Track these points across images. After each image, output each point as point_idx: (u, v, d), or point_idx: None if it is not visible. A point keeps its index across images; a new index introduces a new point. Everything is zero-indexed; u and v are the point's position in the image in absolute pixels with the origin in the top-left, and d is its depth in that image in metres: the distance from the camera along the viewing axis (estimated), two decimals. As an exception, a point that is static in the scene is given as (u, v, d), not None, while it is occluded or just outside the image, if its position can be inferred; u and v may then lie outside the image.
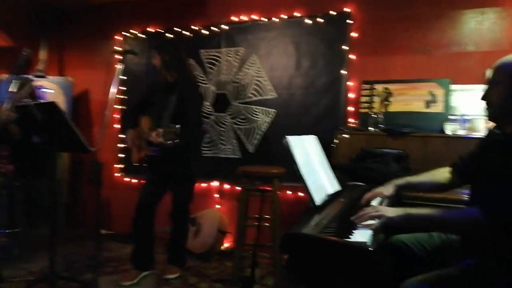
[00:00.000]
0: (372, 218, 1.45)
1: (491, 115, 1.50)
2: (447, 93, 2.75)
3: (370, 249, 1.27)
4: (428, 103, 2.79)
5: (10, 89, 3.18)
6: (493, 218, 1.30)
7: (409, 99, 2.86)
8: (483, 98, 1.50)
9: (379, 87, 2.96)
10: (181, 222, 2.99)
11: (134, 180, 4.02)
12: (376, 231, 1.43)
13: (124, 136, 3.88)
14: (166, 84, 2.86)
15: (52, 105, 2.41)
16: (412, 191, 1.96)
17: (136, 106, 3.12)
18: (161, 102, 2.82)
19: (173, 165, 2.82)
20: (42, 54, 4.25)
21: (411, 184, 1.84)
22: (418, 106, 2.81)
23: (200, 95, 3.04)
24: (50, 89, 4.03)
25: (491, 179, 1.43)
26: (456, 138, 2.51)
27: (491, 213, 1.30)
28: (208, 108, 3.67)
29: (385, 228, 1.51)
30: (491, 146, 1.54)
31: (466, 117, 2.67)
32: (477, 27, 2.82)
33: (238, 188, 3.31)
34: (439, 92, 2.77)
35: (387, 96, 2.92)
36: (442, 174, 1.80)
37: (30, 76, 3.62)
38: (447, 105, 2.73)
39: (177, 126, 2.46)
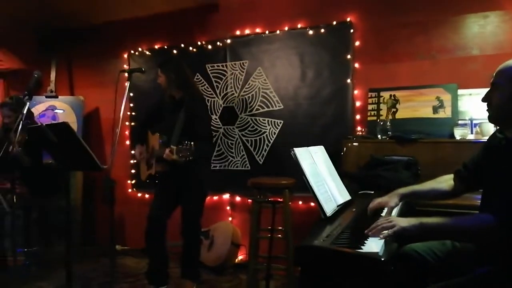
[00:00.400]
0: (386, 229, 1.45)
1: (491, 116, 1.54)
2: (455, 98, 2.75)
3: (382, 259, 1.27)
4: (436, 109, 2.80)
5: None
6: (506, 224, 1.30)
7: (416, 105, 2.86)
8: (484, 100, 1.55)
9: (386, 95, 2.98)
10: (192, 236, 2.98)
11: (146, 195, 4.06)
12: (389, 239, 1.43)
13: (134, 152, 3.93)
14: (173, 101, 2.92)
15: (64, 125, 2.46)
16: (417, 199, 1.95)
17: (143, 123, 3.18)
18: (169, 119, 2.87)
19: (183, 179, 2.85)
20: (53, 75, 4.35)
21: (415, 192, 1.82)
22: (425, 112, 2.81)
23: (207, 110, 3.09)
24: (61, 109, 4.12)
25: (497, 184, 1.43)
26: (466, 143, 2.50)
27: (503, 218, 1.30)
28: (216, 122, 3.71)
29: (398, 238, 1.51)
30: (494, 151, 1.55)
31: (475, 121, 2.66)
32: (481, 31, 2.82)
33: (250, 200, 3.33)
34: (447, 97, 2.77)
35: (394, 103, 2.94)
36: (447, 181, 1.80)
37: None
38: (455, 110, 2.73)
39: (192, 143, 2.49)
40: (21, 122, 2.47)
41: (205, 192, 3.02)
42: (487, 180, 1.54)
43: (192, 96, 2.89)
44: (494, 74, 1.51)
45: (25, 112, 2.51)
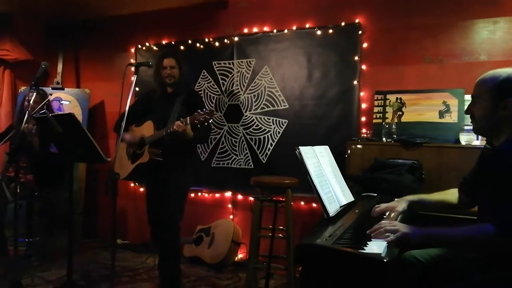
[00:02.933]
0: (388, 232, 1.45)
1: (476, 128, 1.59)
2: (461, 103, 2.74)
3: (384, 260, 1.27)
4: (442, 113, 2.79)
5: (26, 101, 3.29)
6: (507, 233, 1.29)
7: (422, 109, 2.85)
8: (466, 113, 1.60)
9: (392, 97, 2.97)
10: (169, 241, 2.72)
11: (148, 190, 4.07)
12: (391, 244, 1.42)
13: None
14: (167, 94, 2.88)
15: (70, 116, 2.47)
16: (424, 209, 1.94)
17: (128, 116, 2.79)
18: (162, 110, 2.81)
19: (170, 172, 2.76)
20: (60, 67, 4.37)
21: (423, 202, 1.82)
22: (431, 116, 2.80)
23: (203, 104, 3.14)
24: (67, 100, 4.14)
25: (491, 193, 1.44)
26: (471, 149, 2.48)
27: (503, 227, 1.30)
28: (221, 119, 3.72)
29: (399, 244, 1.51)
30: (485, 162, 1.59)
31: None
32: (490, 37, 2.81)
33: (252, 198, 3.33)
34: (453, 102, 2.76)
35: (400, 106, 2.93)
36: (454, 194, 1.80)
37: (46, 89, 3.72)
38: (461, 115, 2.72)
39: (206, 110, 2.52)
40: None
41: (188, 185, 2.89)
42: (483, 190, 1.55)
43: (191, 90, 2.95)
44: (474, 87, 1.55)
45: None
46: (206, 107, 3.28)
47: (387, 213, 1.77)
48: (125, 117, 2.44)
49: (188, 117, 2.53)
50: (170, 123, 2.69)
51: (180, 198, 2.80)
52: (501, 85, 1.45)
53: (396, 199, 1.90)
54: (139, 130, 2.88)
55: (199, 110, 2.50)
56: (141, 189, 4.12)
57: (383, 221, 1.54)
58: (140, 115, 2.93)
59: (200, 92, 3.77)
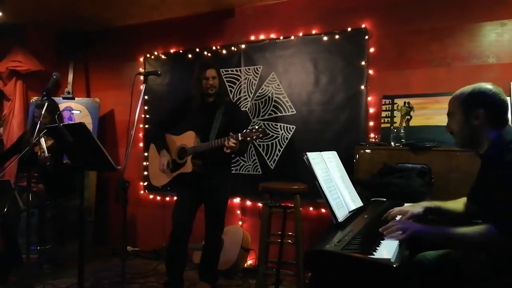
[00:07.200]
0: (400, 230, 1.49)
1: (457, 143, 1.67)
2: (470, 106, 2.72)
3: (394, 265, 1.26)
4: (450, 117, 2.77)
5: (36, 117, 3.35)
6: (506, 232, 1.32)
7: (430, 113, 2.84)
8: (447, 131, 1.70)
9: (400, 102, 2.96)
10: (217, 240, 2.96)
11: (158, 198, 4.10)
12: (403, 242, 1.44)
13: (147, 154, 3.93)
14: (207, 104, 2.87)
15: (80, 126, 2.51)
16: (439, 216, 1.94)
17: (164, 124, 3.03)
18: (205, 119, 2.82)
19: (212, 180, 2.81)
20: (70, 77, 4.44)
21: (439, 208, 1.85)
22: (440, 119, 2.78)
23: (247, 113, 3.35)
24: (77, 109, 4.21)
25: (489, 197, 1.48)
26: (481, 152, 2.47)
27: (503, 227, 1.33)
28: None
29: (411, 245, 1.52)
30: (480, 170, 1.66)
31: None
32: (498, 39, 2.79)
33: (260, 204, 3.33)
34: (462, 105, 2.74)
35: (408, 111, 2.92)
36: (465, 203, 1.82)
37: (56, 99, 3.78)
38: (470, 118, 2.69)
39: (258, 127, 2.53)
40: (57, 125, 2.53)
41: (231, 190, 3.03)
42: (481, 195, 1.61)
43: (230, 100, 3.04)
44: (448, 105, 1.66)
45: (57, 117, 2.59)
46: (249, 117, 3.54)
47: (398, 216, 1.78)
48: (163, 127, 2.92)
49: (239, 134, 2.53)
50: (213, 134, 2.74)
51: (223, 211, 2.93)
52: (469, 98, 1.57)
53: (410, 204, 1.91)
54: (179, 140, 2.88)
55: (255, 127, 2.52)
56: (151, 196, 4.15)
57: (395, 221, 1.57)
58: (176, 123, 2.98)
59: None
